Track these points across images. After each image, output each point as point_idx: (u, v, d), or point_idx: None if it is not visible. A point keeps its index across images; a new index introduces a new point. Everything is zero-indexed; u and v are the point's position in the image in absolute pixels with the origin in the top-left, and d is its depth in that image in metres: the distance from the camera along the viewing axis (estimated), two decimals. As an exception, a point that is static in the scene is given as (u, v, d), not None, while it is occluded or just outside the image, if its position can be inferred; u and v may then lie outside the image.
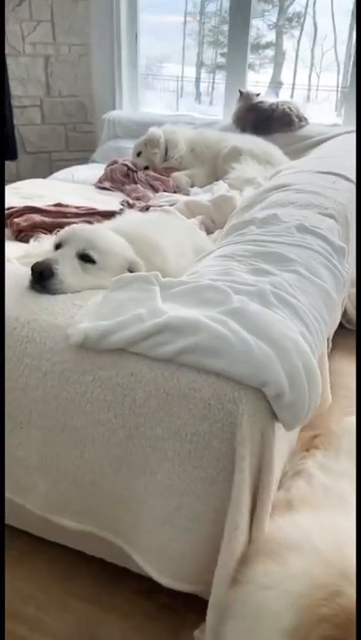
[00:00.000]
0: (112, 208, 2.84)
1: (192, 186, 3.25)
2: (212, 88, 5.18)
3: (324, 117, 3.97)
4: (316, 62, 4.82)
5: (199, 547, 1.15)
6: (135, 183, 3.19)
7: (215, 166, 3.34)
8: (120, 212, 2.74)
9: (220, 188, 2.92)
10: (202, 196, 2.87)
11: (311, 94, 4.87)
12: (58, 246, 1.37)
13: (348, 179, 2.34)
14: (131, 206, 2.83)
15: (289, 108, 3.55)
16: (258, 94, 3.72)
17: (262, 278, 1.27)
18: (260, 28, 4.56)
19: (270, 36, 4.59)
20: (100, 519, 1.26)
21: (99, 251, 1.33)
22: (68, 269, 1.28)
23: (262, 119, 3.57)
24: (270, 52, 4.70)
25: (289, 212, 1.85)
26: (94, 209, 2.70)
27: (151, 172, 3.27)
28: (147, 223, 1.61)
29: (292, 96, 4.60)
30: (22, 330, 1.17)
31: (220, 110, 4.20)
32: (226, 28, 4.89)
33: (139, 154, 3.41)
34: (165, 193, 2.90)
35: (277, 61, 4.72)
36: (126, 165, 3.28)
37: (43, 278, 1.24)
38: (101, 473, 1.18)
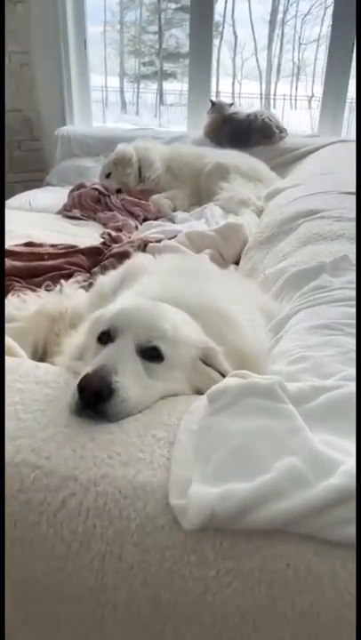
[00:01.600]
0: (93, 243, 2.39)
1: (174, 209, 2.85)
2: (138, 97, 4.98)
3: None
4: (237, 70, 4.77)
5: None
6: (110, 210, 2.75)
7: (197, 186, 2.96)
8: (105, 247, 2.30)
9: (215, 212, 2.54)
10: (194, 223, 2.48)
11: (235, 101, 4.77)
12: (104, 336, 0.92)
13: (377, 199, 2.04)
14: (114, 239, 2.39)
15: (268, 118, 3.23)
16: (231, 104, 3.38)
17: None
18: (180, 37, 4.49)
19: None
20: None
21: (168, 341, 0.90)
22: (130, 378, 0.84)
23: (240, 131, 3.23)
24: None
25: (347, 248, 1.49)
26: (74, 246, 2.24)
27: (127, 197, 2.84)
28: (203, 282, 1.18)
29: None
30: (85, 497, 0.72)
31: (149, 120, 3.91)
32: (146, 37, 4.70)
33: (108, 175, 2.97)
34: (154, 222, 2.48)
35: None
36: (97, 189, 2.82)
37: (100, 400, 0.79)
38: None
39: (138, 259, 1.59)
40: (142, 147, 2.99)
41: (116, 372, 0.83)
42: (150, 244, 2.02)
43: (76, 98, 3.84)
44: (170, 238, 2.15)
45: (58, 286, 1.67)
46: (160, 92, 4.87)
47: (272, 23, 4.43)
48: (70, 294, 1.62)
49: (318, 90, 4.47)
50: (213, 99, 3.37)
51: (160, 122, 4.90)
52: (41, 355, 1.55)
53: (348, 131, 3.66)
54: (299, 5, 4.36)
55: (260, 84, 4.71)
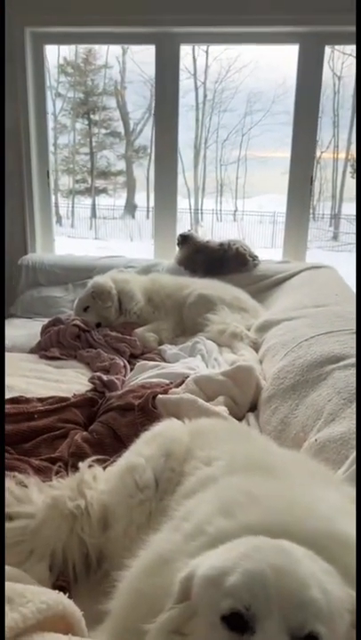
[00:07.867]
0: (80, 388, 2.13)
1: (160, 342, 2.67)
2: (72, 212, 5.43)
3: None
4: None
5: None
6: (91, 346, 2.53)
7: (180, 317, 2.83)
8: (98, 395, 2.04)
9: (210, 348, 2.39)
10: (190, 360, 2.30)
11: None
12: (235, 619, 0.65)
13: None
14: (105, 385, 2.14)
15: (242, 247, 3.26)
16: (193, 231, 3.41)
17: None
18: (110, 157, 5.13)
19: (120, 165, 5.19)
20: None
21: (325, 619, 0.66)
22: None
23: (215, 260, 3.22)
24: (122, 179, 5.25)
25: None
26: (65, 399, 1.97)
27: (109, 332, 2.64)
28: (294, 485, 0.94)
29: (147, 217, 4.93)
30: None
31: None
32: (77, 158, 5.13)
33: (86, 309, 2.78)
34: (149, 363, 2.28)
35: (130, 186, 5.17)
36: (77, 326, 2.61)
37: None
38: None
39: (171, 430, 1.35)
40: (121, 279, 2.86)
41: None
42: (160, 397, 1.80)
43: (38, 225, 3.74)
44: (177, 385, 1.94)
45: (76, 472, 1.37)
46: (93, 205, 5.37)
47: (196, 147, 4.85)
48: (90, 480, 1.33)
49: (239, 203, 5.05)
50: (183, 233, 3.37)
51: (96, 234, 5.38)
52: (60, 566, 1.22)
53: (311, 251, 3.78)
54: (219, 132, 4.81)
55: (188, 199, 5.06)
